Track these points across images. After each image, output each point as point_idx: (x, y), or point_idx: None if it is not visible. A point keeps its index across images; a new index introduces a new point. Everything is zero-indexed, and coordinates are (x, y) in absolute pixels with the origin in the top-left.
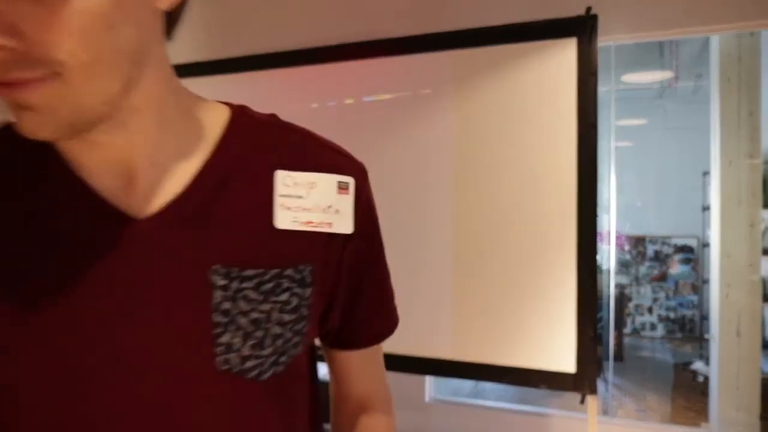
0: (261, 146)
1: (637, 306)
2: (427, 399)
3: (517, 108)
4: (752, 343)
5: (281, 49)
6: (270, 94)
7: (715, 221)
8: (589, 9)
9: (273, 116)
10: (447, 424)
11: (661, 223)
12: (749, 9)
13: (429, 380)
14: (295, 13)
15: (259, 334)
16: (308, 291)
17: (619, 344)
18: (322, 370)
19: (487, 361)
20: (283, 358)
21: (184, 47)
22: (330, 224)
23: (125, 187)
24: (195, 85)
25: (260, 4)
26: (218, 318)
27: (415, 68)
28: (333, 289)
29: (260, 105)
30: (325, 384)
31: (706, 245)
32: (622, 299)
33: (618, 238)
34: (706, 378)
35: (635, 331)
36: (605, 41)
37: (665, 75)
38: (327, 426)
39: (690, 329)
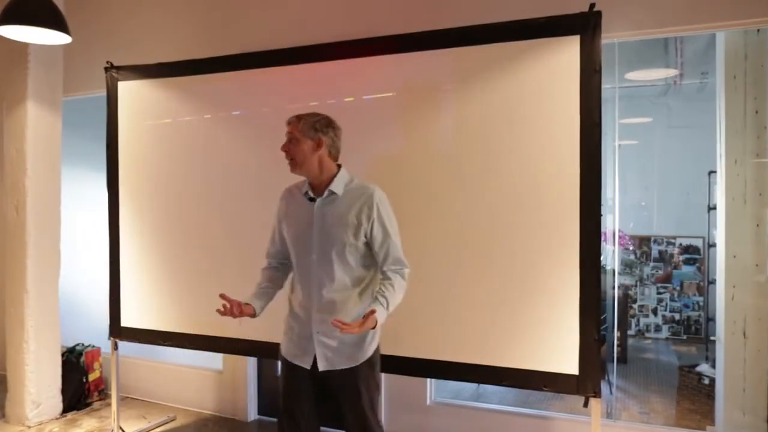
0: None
1: (641, 307)
2: (428, 402)
3: (519, 106)
4: (759, 344)
5: (281, 46)
6: (270, 92)
7: (721, 221)
8: (592, 6)
9: None
10: (449, 427)
11: (666, 223)
12: (756, 5)
13: (430, 383)
14: (295, 10)
15: None
16: None
17: (622, 346)
18: None
19: (488, 363)
20: None
21: (184, 45)
22: None
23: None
24: (196, 82)
25: (260, 2)
26: None
27: (415, 66)
28: None
29: (260, 103)
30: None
31: (712, 245)
32: (626, 300)
33: (621, 238)
34: (712, 380)
35: (639, 333)
36: (609, 38)
37: (670, 73)
38: None
39: (695, 331)
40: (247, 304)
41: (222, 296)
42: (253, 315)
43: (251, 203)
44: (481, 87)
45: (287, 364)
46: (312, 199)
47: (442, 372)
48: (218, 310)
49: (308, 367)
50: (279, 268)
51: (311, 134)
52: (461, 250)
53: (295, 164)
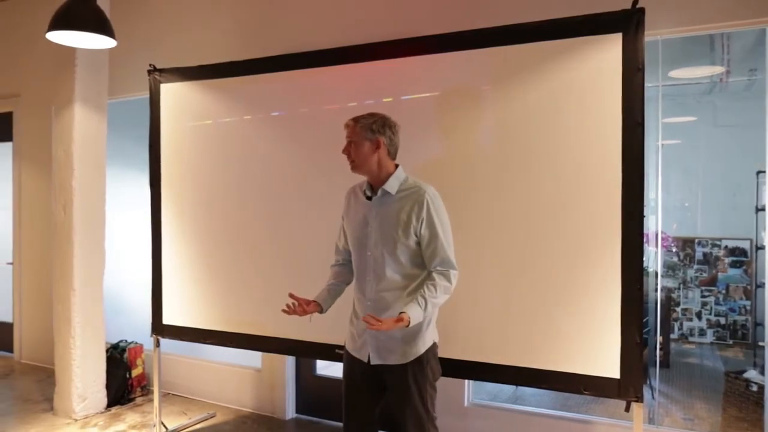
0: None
1: (684, 310)
2: (466, 403)
3: (560, 106)
4: None
5: (320, 47)
6: (308, 93)
7: None
8: (635, 2)
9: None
10: (486, 429)
11: (711, 225)
12: None
13: (468, 384)
14: (332, 11)
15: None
16: None
17: (665, 350)
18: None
19: (528, 365)
20: None
21: (225, 47)
22: None
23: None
24: (236, 84)
25: (297, 4)
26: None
27: (453, 66)
28: None
29: (298, 103)
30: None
31: (760, 248)
32: (668, 303)
33: (664, 239)
34: (761, 387)
35: (682, 337)
36: (652, 35)
37: (716, 70)
38: None
39: (742, 336)
40: (313, 301)
41: (291, 295)
42: (321, 311)
43: (291, 203)
44: (521, 87)
45: (348, 356)
46: (370, 198)
47: (481, 373)
48: (283, 310)
49: (365, 360)
50: (345, 265)
51: (369, 136)
52: (500, 251)
53: (355, 165)
